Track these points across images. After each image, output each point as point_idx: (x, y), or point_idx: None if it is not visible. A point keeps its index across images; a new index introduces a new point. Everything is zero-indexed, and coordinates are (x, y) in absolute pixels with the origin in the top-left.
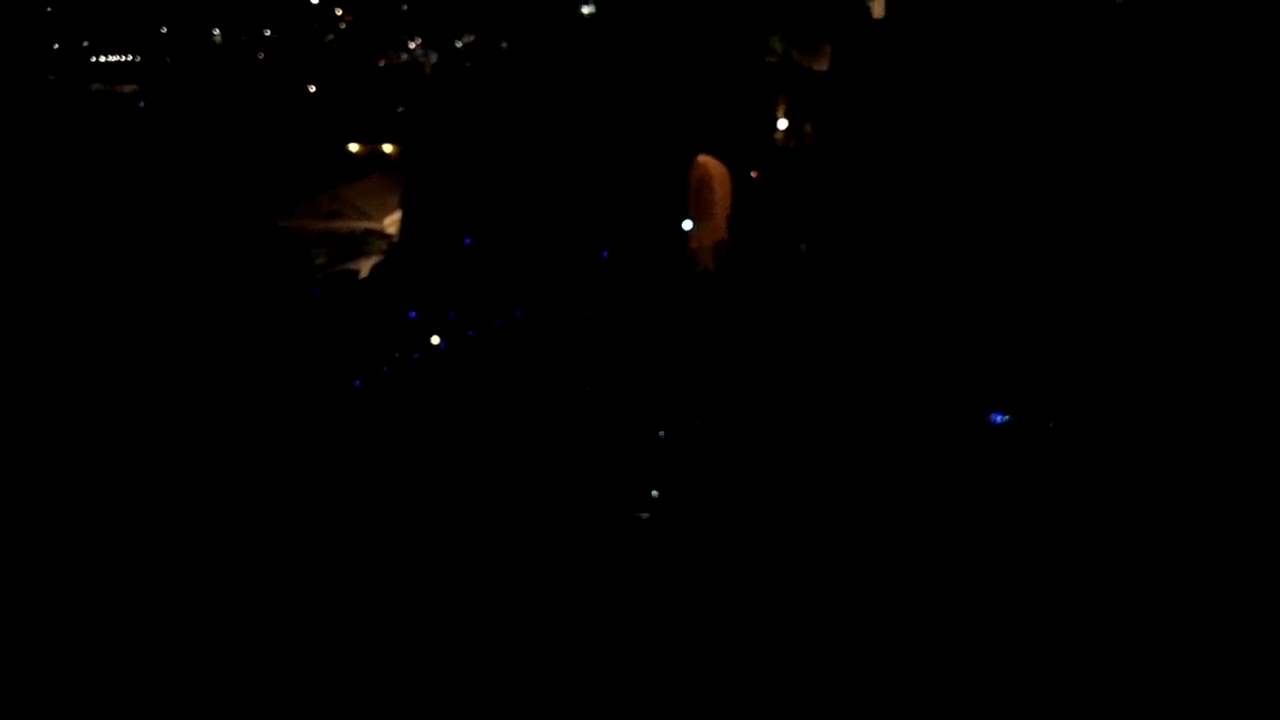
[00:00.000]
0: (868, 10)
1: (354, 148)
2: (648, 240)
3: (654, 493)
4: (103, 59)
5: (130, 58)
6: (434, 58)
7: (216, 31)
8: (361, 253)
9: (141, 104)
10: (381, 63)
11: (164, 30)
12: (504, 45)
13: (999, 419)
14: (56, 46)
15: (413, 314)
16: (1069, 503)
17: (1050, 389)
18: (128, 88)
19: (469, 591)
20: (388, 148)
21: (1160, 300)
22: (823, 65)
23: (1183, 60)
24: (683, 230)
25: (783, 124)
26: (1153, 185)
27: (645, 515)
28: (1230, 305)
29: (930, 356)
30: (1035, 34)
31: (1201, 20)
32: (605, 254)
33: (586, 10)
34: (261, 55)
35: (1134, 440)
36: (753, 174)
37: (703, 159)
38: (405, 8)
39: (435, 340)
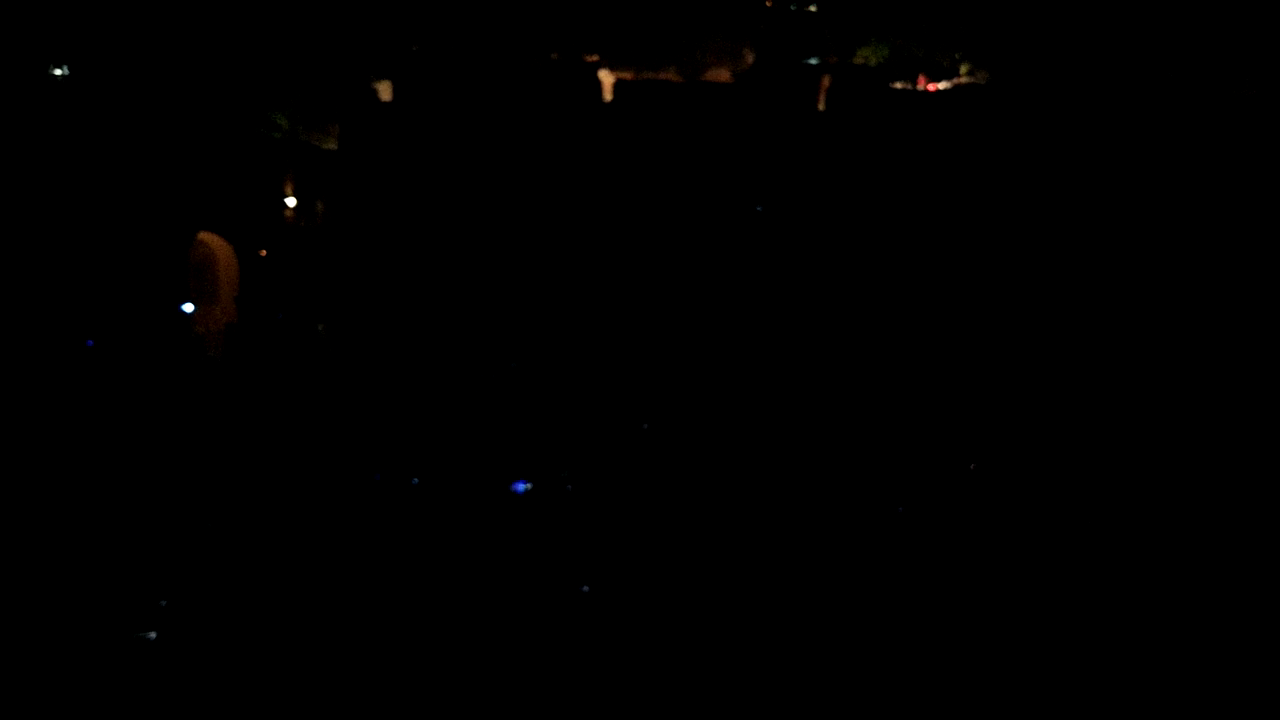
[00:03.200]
0: (375, 92)
1: None
2: (143, 326)
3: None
4: None
5: None
6: None
7: None
8: None
9: None
10: None
11: None
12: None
13: (521, 487)
14: None
15: None
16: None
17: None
18: None
19: None
20: None
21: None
22: (331, 144)
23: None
24: (185, 314)
25: (292, 201)
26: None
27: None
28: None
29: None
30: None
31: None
32: (90, 343)
33: (59, 72)
34: None
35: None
36: (261, 253)
37: (205, 237)
38: None
39: None
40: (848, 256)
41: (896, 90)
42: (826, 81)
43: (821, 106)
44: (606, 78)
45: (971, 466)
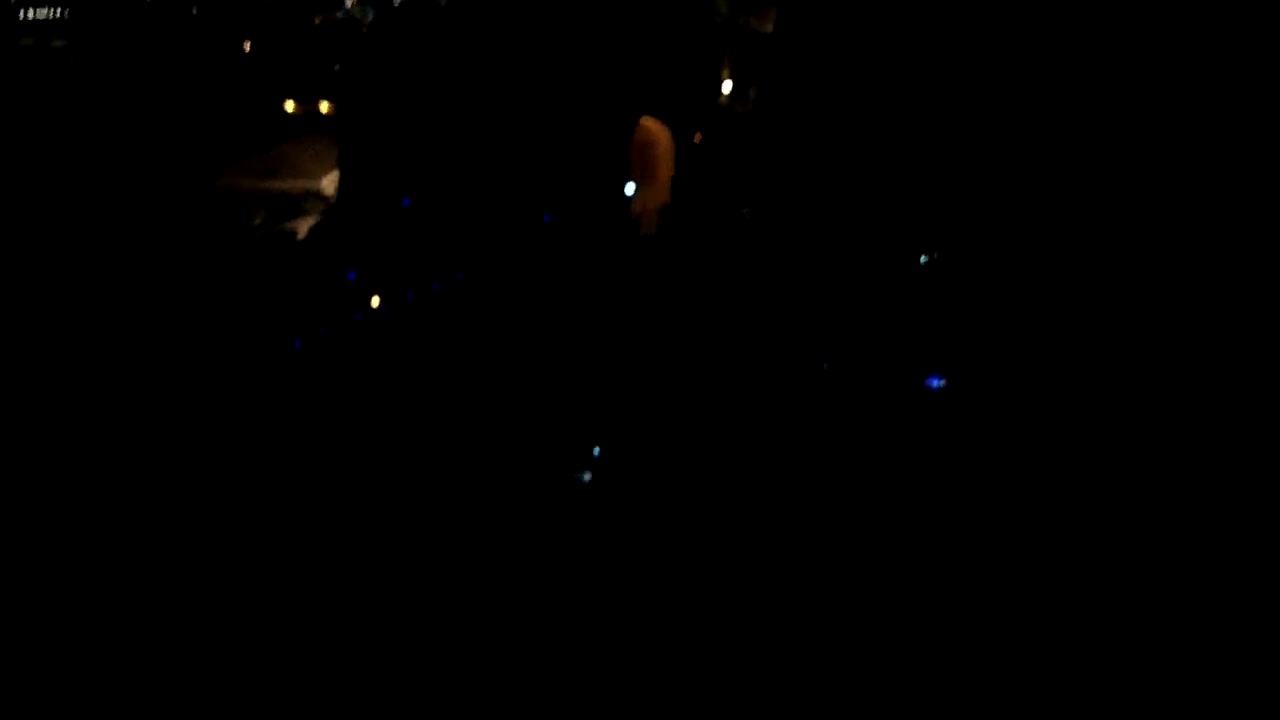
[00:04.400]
0: None
1: (290, 106)
2: (591, 204)
3: (595, 451)
4: (32, 14)
5: (59, 13)
6: (371, 15)
7: None
8: (300, 213)
9: (72, 61)
10: (318, 19)
11: None
12: (442, 2)
13: (936, 383)
14: None
15: (352, 275)
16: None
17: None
18: (58, 43)
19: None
20: (325, 106)
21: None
22: (769, 27)
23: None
24: (626, 194)
25: (727, 87)
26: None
27: (587, 478)
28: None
29: (882, 329)
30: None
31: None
32: (547, 218)
33: None
34: (194, 10)
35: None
36: (696, 137)
37: (646, 122)
38: None
39: (375, 302)
40: None
41: None
42: None
43: None
44: None
45: None
